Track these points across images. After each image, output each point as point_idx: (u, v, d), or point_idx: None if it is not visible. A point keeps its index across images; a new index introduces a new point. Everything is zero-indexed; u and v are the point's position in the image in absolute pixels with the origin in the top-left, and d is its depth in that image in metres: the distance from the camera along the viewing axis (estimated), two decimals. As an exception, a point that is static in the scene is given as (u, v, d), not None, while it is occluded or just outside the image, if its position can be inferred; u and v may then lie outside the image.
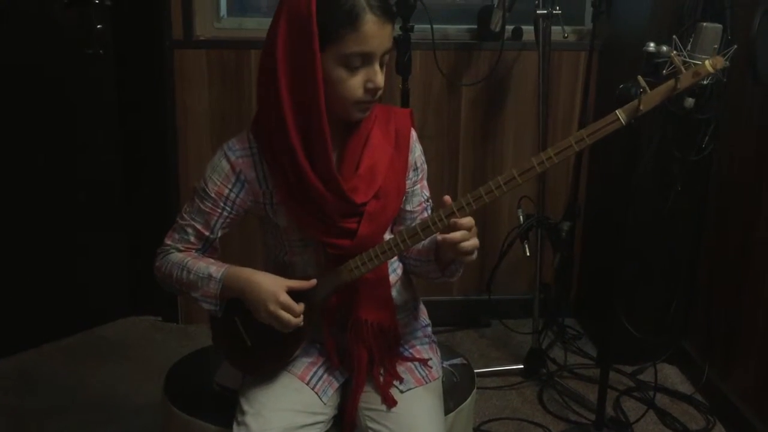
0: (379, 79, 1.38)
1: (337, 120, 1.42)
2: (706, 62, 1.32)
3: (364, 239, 1.43)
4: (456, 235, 1.34)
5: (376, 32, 1.34)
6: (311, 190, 1.40)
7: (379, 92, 1.40)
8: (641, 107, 1.32)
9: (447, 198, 1.36)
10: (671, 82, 1.33)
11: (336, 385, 1.54)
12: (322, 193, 1.40)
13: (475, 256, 1.38)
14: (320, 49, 1.33)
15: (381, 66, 1.39)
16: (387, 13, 1.35)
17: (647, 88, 1.32)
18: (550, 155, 1.31)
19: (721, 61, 1.33)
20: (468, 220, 1.35)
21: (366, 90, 1.38)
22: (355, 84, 1.37)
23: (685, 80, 1.33)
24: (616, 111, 1.32)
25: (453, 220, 1.34)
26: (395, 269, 1.59)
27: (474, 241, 1.36)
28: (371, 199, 1.45)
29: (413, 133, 1.55)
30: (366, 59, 1.36)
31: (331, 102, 1.38)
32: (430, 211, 1.58)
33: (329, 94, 1.37)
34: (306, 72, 1.34)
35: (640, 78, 1.34)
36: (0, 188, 2.63)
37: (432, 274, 1.53)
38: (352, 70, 1.36)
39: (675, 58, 1.34)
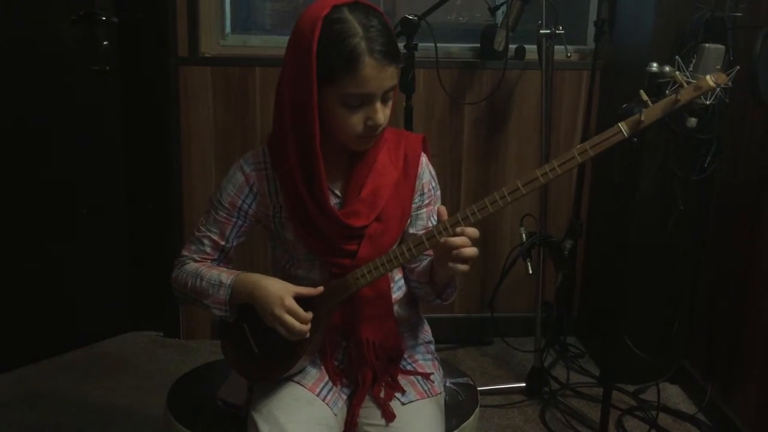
0: (380, 116, 1.37)
1: (343, 147, 1.44)
2: (708, 77, 1.32)
3: (363, 260, 1.44)
4: (456, 239, 1.33)
5: (374, 75, 1.32)
6: (311, 215, 1.43)
7: (380, 128, 1.40)
8: (643, 119, 1.32)
9: (441, 208, 1.36)
10: (672, 96, 1.34)
11: (344, 397, 1.54)
12: (320, 219, 1.43)
13: (468, 267, 1.37)
14: (320, 86, 1.33)
15: (385, 101, 1.38)
16: (388, 56, 1.33)
17: (649, 101, 1.33)
18: (554, 166, 1.31)
19: (723, 78, 1.33)
20: (473, 231, 1.35)
21: (366, 126, 1.38)
22: (355, 121, 1.37)
23: (686, 94, 1.33)
24: (619, 124, 1.33)
25: (459, 228, 1.34)
26: (400, 286, 1.59)
27: (473, 250, 1.35)
28: (372, 222, 1.46)
29: (423, 159, 1.55)
30: (365, 99, 1.35)
31: (334, 134, 1.40)
32: None
33: (332, 128, 1.39)
34: (305, 107, 1.35)
35: (642, 92, 1.35)
36: (1, 202, 2.63)
37: (428, 296, 1.54)
38: (352, 108, 1.36)
39: (677, 75, 1.35)
